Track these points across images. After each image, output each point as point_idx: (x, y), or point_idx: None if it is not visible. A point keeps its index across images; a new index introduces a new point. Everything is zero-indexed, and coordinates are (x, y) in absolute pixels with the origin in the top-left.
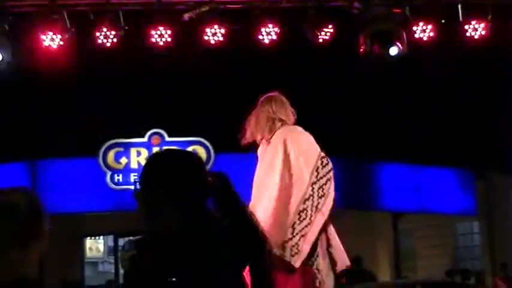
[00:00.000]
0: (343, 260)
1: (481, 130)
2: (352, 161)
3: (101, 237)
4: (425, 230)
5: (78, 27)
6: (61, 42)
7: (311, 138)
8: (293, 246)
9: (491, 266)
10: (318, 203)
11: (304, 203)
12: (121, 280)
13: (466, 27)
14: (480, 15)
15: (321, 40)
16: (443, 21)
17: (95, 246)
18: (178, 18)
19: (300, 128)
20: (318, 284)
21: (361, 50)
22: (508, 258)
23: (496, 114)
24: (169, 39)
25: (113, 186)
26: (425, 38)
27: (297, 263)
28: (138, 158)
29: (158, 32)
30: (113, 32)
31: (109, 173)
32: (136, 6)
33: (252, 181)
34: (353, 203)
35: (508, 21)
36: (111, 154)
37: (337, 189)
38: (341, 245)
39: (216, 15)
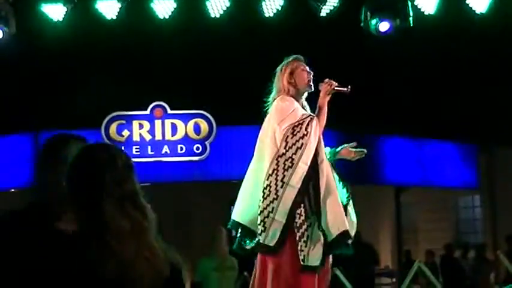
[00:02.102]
0: (334, 227)
1: (483, 103)
2: (354, 135)
3: None
4: (427, 204)
5: None
6: (64, 14)
7: (288, 108)
8: (259, 224)
9: (492, 240)
10: (284, 176)
11: (267, 179)
12: None
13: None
14: None
15: (324, 13)
16: None
17: None
18: None
19: (286, 100)
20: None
21: (363, 23)
22: (510, 231)
23: (498, 88)
24: (171, 11)
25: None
26: (428, 11)
27: (266, 241)
28: (140, 130)
29: (160, 4)
30: (116, 4)
31: None
32: None
33: (252, 153)
34: (355, 176)
35: None
36: (113, 126)
37: (339, 163)
38: (336, 212)
39: None
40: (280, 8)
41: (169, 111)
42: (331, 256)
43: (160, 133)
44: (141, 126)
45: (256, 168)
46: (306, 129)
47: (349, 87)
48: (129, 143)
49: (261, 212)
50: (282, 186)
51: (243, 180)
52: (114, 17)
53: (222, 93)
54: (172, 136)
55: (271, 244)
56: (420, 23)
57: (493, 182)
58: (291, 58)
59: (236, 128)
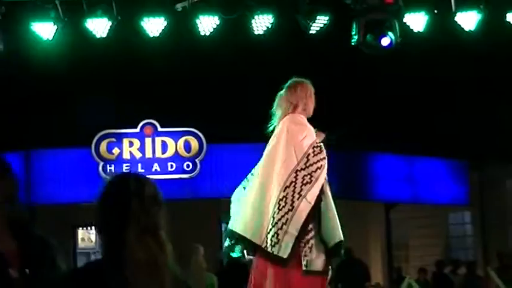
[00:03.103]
0: (334, 237)
1: (473, 120)
2: (345, 151)
3: (93, 227)
4: (417, 220)
5: (71, 17)
6: (54, 32)
7: (308, 128)
8: (272, 236)
9: (482, 256)
10: (301, 190)
11: (284, 190)
12: None
13: (459, 17)
14: (473, 6)
15: (314, 31)
16: (435, 11)
17: (87, 236)
18: (171, 8)
19: (299, 117)
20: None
21: (354, 40)
22: (500, 248)
23: (489, 105)
24: (162, 30)
25: (106, 176)
26: (418, 29)
27: (280, 253)
28: (130, 148)
29: (150, 22)
30: (106, 22)
31: (101, 163)
32: None
33: (242, 171)
34: (346, 192)
35: (500, 12)
36: (103, 144)
37: (331, 179)
38: (334, 223)
39: (209, 5)
40: (270, 26)
41: (159, 129)
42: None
43: (151, 151)
44: (131, 144)
45: (265, 181)
46: (324, 152)
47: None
48: (119, 161)
49: (275, 223)
50: (298, 199)
51: (231, 197)
52: (104, 36)
53: (213, 111)
54: (162, 154)
55: (285, 256)
56: (410, 41)
57: (483, 198)
58: (306, 81)
59: (226, 146)
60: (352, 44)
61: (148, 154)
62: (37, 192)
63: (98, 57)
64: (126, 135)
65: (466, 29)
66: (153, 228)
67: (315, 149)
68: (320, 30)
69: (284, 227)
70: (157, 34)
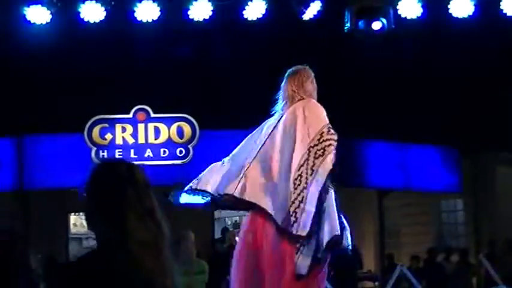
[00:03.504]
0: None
1: (466, 108)
2: (338, 138)
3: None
4: (410, 208)
5: (64, 2)
6: (47, 17)
7: (322, 111)
8: (291, 215)
9: (474, 244)
10: (314, 164)
11: (299, 169)
12: None
13: (452, 5)
14: None
15: (307, 17)
16: None
17: (79, 222)
18: None
19: (314, 101)
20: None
21: (346, 26)
22: (493, 235)
23: (481, 92)
24: (155, 15)
25: (98, 162)
26: (411, 15)
27: (299, 231)
28: (123, 134)
29: (143, 8)
30: (99, 8)
31: (94, 149)
32: None
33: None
34: (338, 179)
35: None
36: (96, 130)
37: None
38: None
39: None
40: (263, 12)
41: (152, 114)
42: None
43: (144, 136)
44: (124, 129)
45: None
46: (336, 135)
47: None
48: (112, 147)
49: (292, 202)
50: (311, 174)
51: None
52: (97, 21)
53: (205, 97)
54: (155, 139)
55: (303, 234)
56: (403, 28)
57: (476, 186)
58: (306, 68)
59: (219, 132)
60: (345, 30)
61: (141, 140)
62: (29, 177)
63: (90, 42)
64: (119, 120)
65: (460, 16)
66: (151, 210)
67: (329, 129)
68: (313, 16)
69: (301, 205)
70: (150, 20)
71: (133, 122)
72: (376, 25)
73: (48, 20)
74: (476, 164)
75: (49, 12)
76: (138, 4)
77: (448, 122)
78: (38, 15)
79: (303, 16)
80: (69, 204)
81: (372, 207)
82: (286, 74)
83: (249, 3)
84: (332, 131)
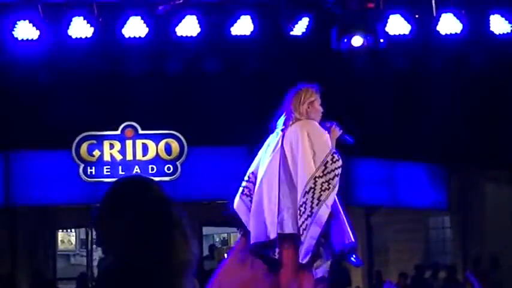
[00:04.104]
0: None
1: (454, 125)
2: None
3: (73, 230)
4: (398, 225)
5: (52, 19)
6: (35, 34)
7: (326, 135)
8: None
9: (462, 261)
10: (320, 195)
11: (303, 196)
12: (94, 272)
13: (440, 21)
14: (454, 10)
15: (295, 34)
16: (417, 16)
17: (67, 238)
18: (152, 10)
19: (316, 124)
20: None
21: (333, 43)
22: (480, 252)
23: (469, 109)
24: (143, 32)
25: (86, 178)
26: (399, 32)
27: (300, 258)
28: (111, 150)
29: (131, 25)
30: (87, 24)
31: (82, 166)
32: None
33: (223, 174)
34: None
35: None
36: (84, 146)
37: None
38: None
39: (191, 8)
40: (251, 29)
41: (140, 131)
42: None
43: (132, 153)
44: (112, 146)
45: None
46: (340, 160)
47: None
48: (100, 163)
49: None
50: (317, 204)
51: (214, 200)
52: (85, 37)
53: (193, 113)
54: (143, 156)
55: (304, 262)
56: (391, 45)
57: (463, 203)
58: (312, 88)
59: (207, 149)
60: (333, 47)
61: (129, 156)
62: (17, 193)
63: (79, 59)
64: (107, 137)
65: (448, 32)
66: (183, 229)
67: (333, 155)
68: (302, 33)
69: (305, 232)
70: (138, 36)
71: (121, 139)
72: (356, 41)
73: (36, 37)
74: (463, 181)
75: (37, 29)
76: (127, 21)
77: (435, 139)
78: (26, 32)
79: (291, 32)
80: (57, 221)
81: (360, 224)
82: (290, 92)
83: (238, 20)
84: (336, 157)
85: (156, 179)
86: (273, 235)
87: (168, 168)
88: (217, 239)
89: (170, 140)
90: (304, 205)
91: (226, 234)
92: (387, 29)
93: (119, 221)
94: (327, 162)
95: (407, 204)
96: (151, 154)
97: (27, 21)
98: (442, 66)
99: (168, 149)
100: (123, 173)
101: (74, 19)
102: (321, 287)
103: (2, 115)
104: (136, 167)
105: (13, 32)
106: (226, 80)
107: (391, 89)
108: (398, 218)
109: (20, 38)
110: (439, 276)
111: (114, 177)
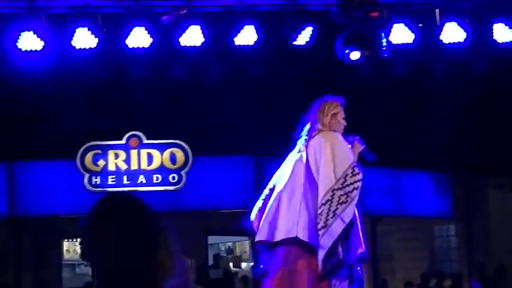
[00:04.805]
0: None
1: (458, 133)
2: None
3: (79, 239)
4: (403, 233)
5: (56, 30)
6: (39, 45)
7: (348, 148)
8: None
9: (467, 269)
10: (337, 208)
11: (320, 207)
12: None
13: (444, 30)
14: (458, 19)
15: (299, 43)
16: (420, 25)
17: (72, 248)
18: (157, 21)
19: (339, 136)
20: None
21: (337, 53)
22: (485, 260)
23: (472, 117)
24: (147, 42)
25: (91, 188)
26: (402, 41)
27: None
28: (116, 160)
29: (135, 35)
30: (91, 35)
31: (87, 175)
32: (115, 8)
33: (228, 183)
34: None
35: (484, 24)
36: (89, 156)
37: None
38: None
39: (195, 18)
40: (255, 38)
41: (145, 140)
42: None
43: (136, 163)
44: (116, 156)
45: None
46: (361, 173)
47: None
48: (105, 173)
49: None
50: (333, 217)
51: (219, 209)
52: (89, 48)
53: (198, 122)
54: (148, 166)
55: (320, 272)
56: (395, 53)
57: (468, 211)
58: (337, 100)
59: (212, 158)
60: (337, 56)
61: (134, 166)
62: (22, 203)
63: (83, 69)
64: (112, 147)
65: (451, 41)
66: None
67: (354, 169)
68: (306, 42)
69: (319, 243)
70: (142, 46)
71: (126, 148)
72: (354, 55)
73: (40, 47)
74: (468, 188)
75: (41, 39)
76: (130, 31)
77: (439, 147)
78: (31, 42)
79: (294, 42)
80: (62, 231)
81: (365, 233)
82: (315, 102)
83: (241, 30)
84: (356, 170)
85: (161, 188)
86: (281, 237)
87: (173, 178)
88: (223, 248)
89: (175, 150)
90: (320, 216)
91: (231, 243)
92: (391, 38)
93: (109, 226)
94: (347, 175)
95: (412, 213)
96: (156, 163)
97: (31, 32)
98: (445, 74)
99: (173, 158)
100: (128, 182)
101: (77, 30)
102: None
103: (6, 125)
104: (141, 176)
105: (17, 43)
106: (231, 89)
107: (394, 97)
108: (403, 227)
109: (23, 49)
110: (445, 285)
111: (119, 187)
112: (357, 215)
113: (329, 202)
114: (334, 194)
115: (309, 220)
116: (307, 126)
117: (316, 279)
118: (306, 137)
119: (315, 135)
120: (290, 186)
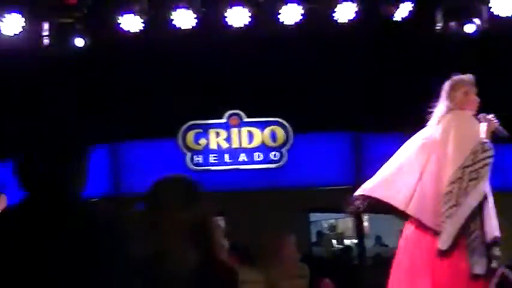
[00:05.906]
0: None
1: None
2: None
3: None
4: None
5: (155, 8)
6: (139, 25)
7: (478, 125)
8: (439, 226)
9: None
10: (467, 186)
11: (449, 185)
12: None
13: None
14: None
15: (398, 17)
16: None
17: None
18: None
19: (468, 114)
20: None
21: (437, 27)
22: None
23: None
24: (246, 20)
25: (193, 167)
26: (505, 14)
27: (440, 243)
28: (217, 139)
29: (234, 14)
30: (191, 14)
31: (189, 154)
32: None
33: (329, 160)
34: None
35: None
36: (190, 135)
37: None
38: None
39: None
40: (353, 15)
41: (245, 119)
42: None
43: (237, 141)
44: (217, 134)
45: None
46: (492, 149)
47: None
48: (206, 152)
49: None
50: (463, 195)
51: (321, 187)
52: (190, 27)
53: (298, 100)
54: (249, 144)
55: (443, 248)
56: (497, 27)
57: None
58: (467, 78)
59: (313, 135)
60: (437, 31)
61: (235, 144)
62: (126, 183)
63: (183, 49)
64: (212, 125)
65: None
66: None
67: (483, 145)
68: (404, 17)
69: (448, 220)
70: (241, 25)
71: (227, 127)
72: (469, 28)
73: (141, 28)
74: None
75: (141, 20)
76: (229, 10)
77: None
78: (130, 23)
79: (393, 17)
80: None
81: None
82: (445, 82)
83: (339, 5)
84: (486, 146)
85: (263, 166)
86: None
87: (275, 156)
88: (325, 225)
89: (275, 127)
90: (450, 193)
91: (334, 220)
92: (492, 9)
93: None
94: (477, 151)
95: None
96: (256, 142)
97: (131, 11)
98: None
99: (273, 136)
100: (230, 160)
101: (177, 10)
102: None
103: (109, 108)
104: (243, 154)
105: (115, 23)
106: (330, 66)
107: (498, 75)
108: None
109: (124, 28)
110: None
111: (221, 166)
112: (488, 192)
113: (459, 180)
114: (464, 171)
115: (421, 197)
116: (439, 105)
117: (435, 256)
118: (439, 116)
119: (446, 114)
120: (408, 164)
